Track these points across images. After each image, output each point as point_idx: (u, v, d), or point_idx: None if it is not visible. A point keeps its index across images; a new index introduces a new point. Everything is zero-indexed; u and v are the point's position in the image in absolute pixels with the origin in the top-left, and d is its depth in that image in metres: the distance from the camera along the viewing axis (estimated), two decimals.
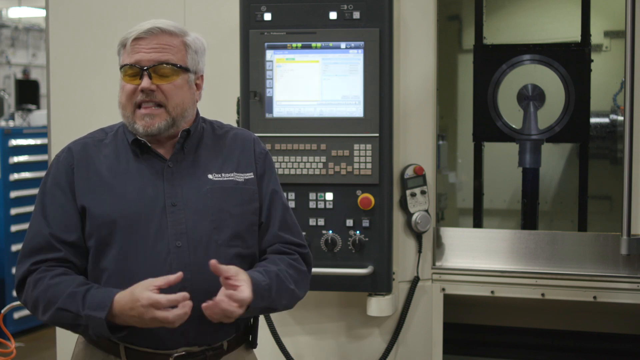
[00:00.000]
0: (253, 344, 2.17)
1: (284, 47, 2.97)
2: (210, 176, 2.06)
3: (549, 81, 3.52)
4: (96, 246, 1.99)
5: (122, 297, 1.87)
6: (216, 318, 1.90)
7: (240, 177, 2.09)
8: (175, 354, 1.99)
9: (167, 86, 2.00)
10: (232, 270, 1.91)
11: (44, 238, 1.99)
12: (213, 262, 1.88)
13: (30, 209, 2.17)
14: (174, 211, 2.00)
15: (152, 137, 2.03)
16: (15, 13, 13.16)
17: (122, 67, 2.03)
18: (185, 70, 2.04)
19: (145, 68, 1.98)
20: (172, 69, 2.00)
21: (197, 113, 2.14)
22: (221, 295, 1.88)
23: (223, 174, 2.08)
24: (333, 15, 2.95)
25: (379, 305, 3.01)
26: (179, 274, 1.87)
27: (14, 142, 6.00)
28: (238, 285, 1.89)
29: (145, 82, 1.98)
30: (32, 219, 2.05)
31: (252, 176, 2.11)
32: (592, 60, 3.49)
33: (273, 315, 3.15)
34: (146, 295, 1.83)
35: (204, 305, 1.87)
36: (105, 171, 2.03)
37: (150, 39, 2.00)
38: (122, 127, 2.11)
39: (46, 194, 2.04)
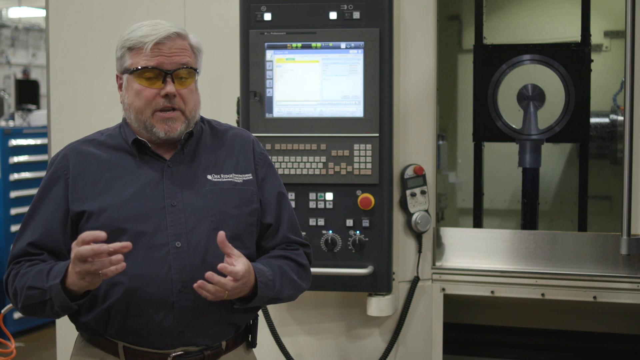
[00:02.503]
0: (252, 344, 2.17)
1: (284, 47, 2.97)
2: (209, 177, 2.06)
3: (549, 81, 3.52)
4: None
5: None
6: (211, 292, 1.88)
7: (239, 178, 2.09)
8: (173, 354, 1.99)
9: (184, 90, 2.01)
10: (236, 251, 1.92)
11: (23, 248, 2.01)
12: (221, 234, 1.89)
13: None
14: (174, 211, 2.00)
15: (167, 140, 2.03)
16: (15, 13, 13.17)
17: (137, 69, 1.99)
18: (196, 72, 2.06)
19: (170, 72, 1.98)
20: (189, 72, 2.02)
21: None
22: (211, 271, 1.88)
23: (222, 175, 2.08)
24: (333, 15, 2.95)
25: (379, 305, 3.01)
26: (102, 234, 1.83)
27: (14, 142, 6.00)
28: (234, 263, 1.90)
29: (170, 87, 1.98)
30: (22, 224, 2.07)
31: (251, 177, 2.11)
32: (592, 60, 3.49)
33: (273, 315, 3.15)
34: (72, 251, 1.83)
35: (196, 284, 1.87)
36: (105, 172, 2.03)
37: (170, 43, 2.00)
38: (119, 127, 2.11)
39: (37, 199, 2.06)
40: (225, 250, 1.91)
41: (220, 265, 1.88)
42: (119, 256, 1.81)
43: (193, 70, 2.03)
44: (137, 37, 1.99)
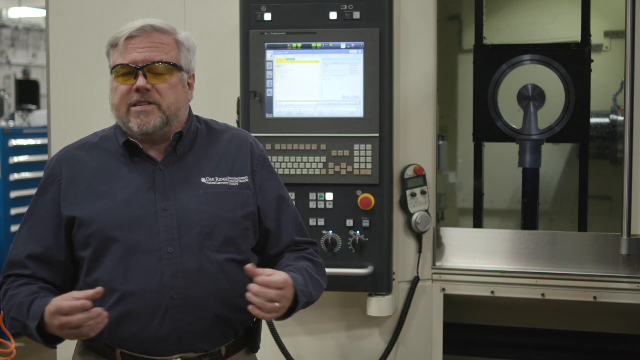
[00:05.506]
0: (254, 348, 2.15)
1: (284, 47, 2.97)
2: (203, 180, 2.03)
3: (549, 81, 3.52)
4: (90, 255, 1.97)
5: (49, 307, 1.86)
6: (267, 309, 1.87)
7: (234, 181, 2.06)
8: None
9: (161, 85, 1.97)
10: (267, 270, 1.92)
11: (17, 255, 2.02)
12: (249, 266, 1.89)
13: None
14: (166, 216, 1.97)
15: (146, 136, 2.00)
16: (15, 13, 13.18)
17: (114, 67, 1.98)
18: (179, 68, 2.01)
19: (139, 67, 1.95)
20: (166, 67, 1.98)
21: (190, 113, 2.11)
22: (252, 285, 1.87)
23: (216, 178, 2.04)
24: (333, 15, 2.94)
25: (379, 305, 3.01)
26: (98, 289, 1.84)
27: (14, 142, 6.00)
28: (269, 274, 1.90)
29: (141, 81, 1.94)
30: (19, 227, 2.07)
31: (247, 180, 2.07)
32: (592, 60, 3.49)
33: None
34: (54, 303, 1.83)
35: (249, 307, 1.87)
36: (96, 178, 2.01)
37: (143, 38, 1.97)
38: (114, 129, 2.08)
39: (33, 204, 2.06)
40: (256, 274, 1.89)
41: (258, 280, 1.87)
42: (98, 310, 1.82)
43: (172, 66, 1.99)
44: (115, 33, 1.99)
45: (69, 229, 2.00)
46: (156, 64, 1.97)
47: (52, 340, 1.91)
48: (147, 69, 1.96)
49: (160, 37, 1.99)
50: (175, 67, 2.00)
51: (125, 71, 1.97)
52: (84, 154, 2.05)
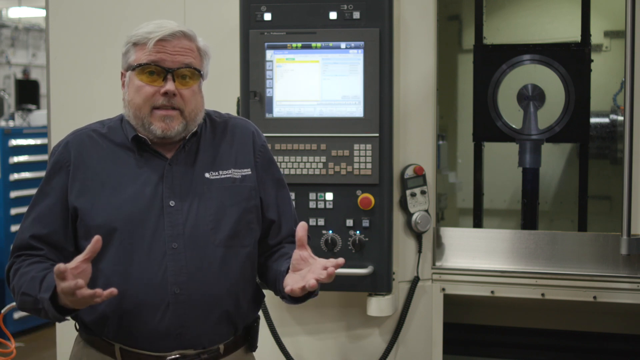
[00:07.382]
0: (253, 347, 2.16)
1: (284, 47, 2.97)
2: (207, 175, 2.04)
3: (549, 81, 3.52)
4: None
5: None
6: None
7: (237, 173, 2.07)
8: (169, 357, 1.98)
9: (186, 91, 1.99)
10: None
11: (25, 239, 2.01)
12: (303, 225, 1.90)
13: None
14: (172, 212, 1.98)
15: (164, 140, 2.01)
16: (15, 13, 13.18)
17: (139, 65, 1.97)
18: (201, 75, 2.04)
19: (171, 70, 1.96)
20: (193, 73, 2.00)
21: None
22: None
23: (220, 171, 2.05)
24: (333, 15, 2.95)
25: (379, 305, 3.01)
26: (97, 238, 1.80)
27: (14, 142, 6.00)
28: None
29: (170, 85, 1.96)
30: (25, 213, 2.06)
31: (250, 172, 2.09)
32: (592, 60, 3.49)
33: (273, 315, 3.15)
34: (55, 268, 1.77)
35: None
36: (102, 169, 2.01)
37: (175, 42, 1.98)
38: (120, 121, 2.08)
39: (40, 189, 2.05)
40: (304, 245, 1.91)
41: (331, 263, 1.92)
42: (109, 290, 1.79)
43: (197, 72, 2.01)
44: (143, 32, 1.98)
45: (74, 217, 2.00)
46: (185, 69, 1.98)
47: (65, 312, 1.89)
48: (176, 73, 1.97)
49: (188, 44, 2.01)
50: (199, 74, 2.02)
51: (154, 72, 1.97)
52: (93, 143, 2.05)
